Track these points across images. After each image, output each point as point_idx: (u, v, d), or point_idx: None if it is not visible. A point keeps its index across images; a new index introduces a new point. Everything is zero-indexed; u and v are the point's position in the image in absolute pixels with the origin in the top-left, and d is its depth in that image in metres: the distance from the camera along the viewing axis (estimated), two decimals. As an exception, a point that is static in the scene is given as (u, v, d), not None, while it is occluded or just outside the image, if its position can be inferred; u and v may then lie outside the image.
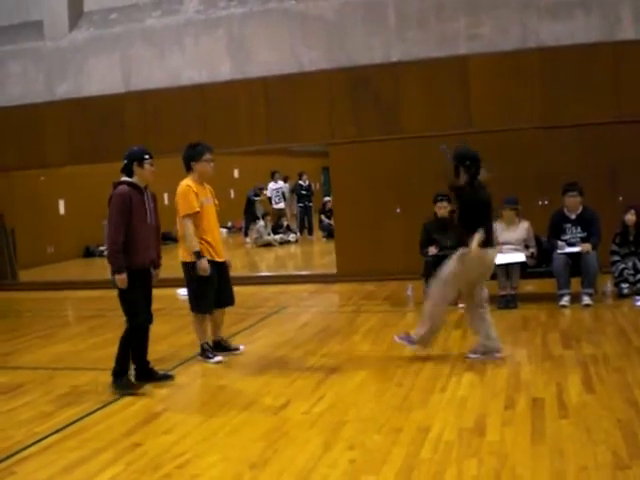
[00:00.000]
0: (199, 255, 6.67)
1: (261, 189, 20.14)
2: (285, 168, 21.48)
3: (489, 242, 6.31)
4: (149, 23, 12.43)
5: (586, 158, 10.34)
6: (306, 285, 11.60)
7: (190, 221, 6.71)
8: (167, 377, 6.41)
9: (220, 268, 6.98)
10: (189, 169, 6.91)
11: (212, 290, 6.90)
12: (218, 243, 6.99)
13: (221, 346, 7.26)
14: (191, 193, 6.73)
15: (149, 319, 6.24)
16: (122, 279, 5.94)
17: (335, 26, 11.39)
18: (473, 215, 6.28)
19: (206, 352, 7.01)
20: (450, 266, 6.42)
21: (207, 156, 6.89)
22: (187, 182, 6.83)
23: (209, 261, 6.77)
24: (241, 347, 7.38)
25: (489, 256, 6.39)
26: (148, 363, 6.37)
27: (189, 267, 6.79)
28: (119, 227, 5.94)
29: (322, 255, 16.08)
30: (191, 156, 6.88)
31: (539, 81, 10.57)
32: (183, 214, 6.74)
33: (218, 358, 6.96)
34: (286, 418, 5.19)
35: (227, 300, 7.15)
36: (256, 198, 19.70)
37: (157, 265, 6.35)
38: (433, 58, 10.95)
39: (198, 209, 6.74)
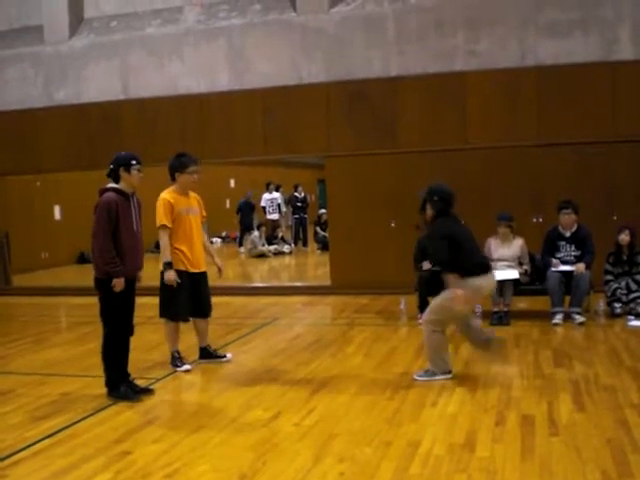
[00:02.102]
0: (168, 266, 6.78)
1: (248, 194, 20.22)
2: (281, 179, 21.55)
3: (476, 270, 6.13)
4: (149, 31, 12.48)
5: (582, 177, 10.40)
6: (299, 297, 11.60)
7: (164, 232, 6.83)
8: (146, 391, 6.27)
9: (196, 279, 7.05)
10: (173, 179, 7.02)
11: (182, 299, 6.95)
12: (196, 254, 7.04)
13: (208, 353, 7.34)
14: (166, 206, 6.85)
15: (129, 331, 6.19)
16: (121, 282, 5.90)
17: (335, 39, 11.45)
18: (439, 249, 6.17)
19: (175, 360, 7.09)
20: (443, 298, 6.25)
21: (191, 168, 6.98)
22: (165, 195, 6.95)
23: (182, 271, 6.87)
24: (228, 355, 7.44)
25: (483, 284, 6.19)
26: (128, 375, 6.25)
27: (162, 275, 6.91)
28: (107, 234, 5.86)
29: (316, 267, 16.10)
30: (175, 167, 6.98)
31: (536, 99, 10.63)
32: (158, 225, 6.87)
33: (186, 367, 7.04)
34: (276, 430, 5.18)
35: (202, 311, 7.21)
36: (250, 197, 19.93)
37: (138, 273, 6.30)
38: (431, 73, 11.02)
39: (169, 224, 6.82)
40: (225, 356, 7.41)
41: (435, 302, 6.38)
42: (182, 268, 6.90)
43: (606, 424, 4.97)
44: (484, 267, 6.26)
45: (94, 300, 6.22)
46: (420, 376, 6.33)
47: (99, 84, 12.62)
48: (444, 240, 6.11)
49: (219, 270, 7.34)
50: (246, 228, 19.98)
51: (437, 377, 6.27)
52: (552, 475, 4.16)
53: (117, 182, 6.06)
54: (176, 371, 6.99)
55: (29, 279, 14.46)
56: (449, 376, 6.26)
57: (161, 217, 6.83)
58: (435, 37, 11.00)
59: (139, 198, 6.26)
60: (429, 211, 6.34)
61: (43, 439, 5.15)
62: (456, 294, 5.96)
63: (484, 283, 6.22)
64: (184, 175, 6.95)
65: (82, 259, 17.55)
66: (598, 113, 10.40)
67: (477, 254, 6.36)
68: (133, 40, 12.50)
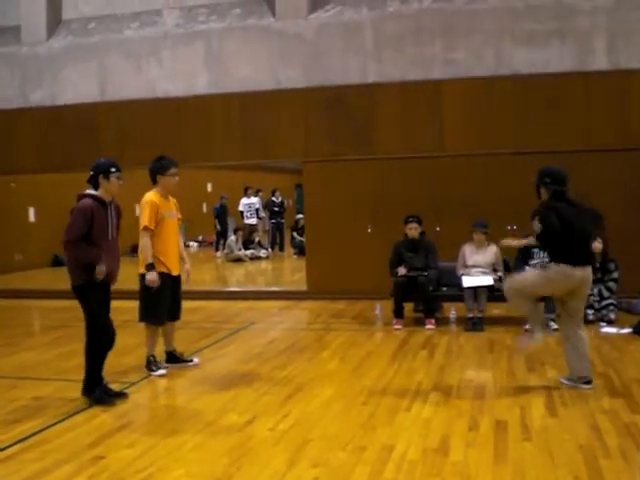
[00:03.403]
0: (150, 267, 6.76)
1: (223, 197, 20.18)
2: (259, 184, 21.51)
3: (575, 260, 5.98)
4: (127, 34, 12.43)
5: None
6: (276, 301, 11.60)
7: (148, 233, 6.82)
8: (120, 395, 6.23)
9: (175, 281, 7.07)
10: (154, 182, 7.02)
11: (164, 302, 6.96)
12: (174, 257, 7.07)
13: (174, 357, 7.33)
14: (152, 207, 6.85)
15: (111, 333, 6.12)
16: (102, 269, 5.84)
17: (313, 45, 11.48)
18: (547, 233, 6.02)
19: (150, 364, 7.06)
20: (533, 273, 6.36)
21: (172, 170, 7.01)
22: (151, 196, 6.94)
23: (164, 274, 6.87)
24: (195, 359, 7.42)
25: (574, 274, 5.98)
26: (102, 379, 6.19)
27: (143, 278, 6.87)
28: (79, 236, 5.81)
29: (293, 272, 16.10)
30: (156, 169, 7.00)
31: (512, 107, 10.73)
32: (142, 226, 6.84)
33: (162, 371, 7.01)
34: (251, 434, 5.18)
35: (174, 314, 7.22)
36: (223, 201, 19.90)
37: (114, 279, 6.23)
38: (408, 81, 11.08)
39: (152, 227, 6.82)
40: (192, 360, 7.39)
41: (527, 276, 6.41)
42: (164, 270, 6.91)
43: (578, 429, 5.03)
44: (583, 259, 6.06)
45: (68, 303, 6.19)
46: (566, 380, 6.20)
47: (76, 86, 12.53)
48: (550, 213, 5.98)
49: (186, 276, 7.30)
50: (223, 232, 19.93)
51: (538, 333, 6.23)
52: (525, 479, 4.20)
53: (96, 189, 6.02)
54: (151, 375, 6.96)
55: (2, 281, 14.27)
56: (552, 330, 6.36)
57: (145, 219, 6.81)
58: (413, 45, 11.06)
59: (118, 205, 6.23)
60: (544, 195, 6.16)
61: (15, 444, 5.10)
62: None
63: (576, 273, 5.99)
64: (165, 177, 6.97)
65: (56, 262, 17.40)
66: (573, 122, 10.52)
67: (582, 245, 6.11)
68: (111, 42, 12.43)
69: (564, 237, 5.96)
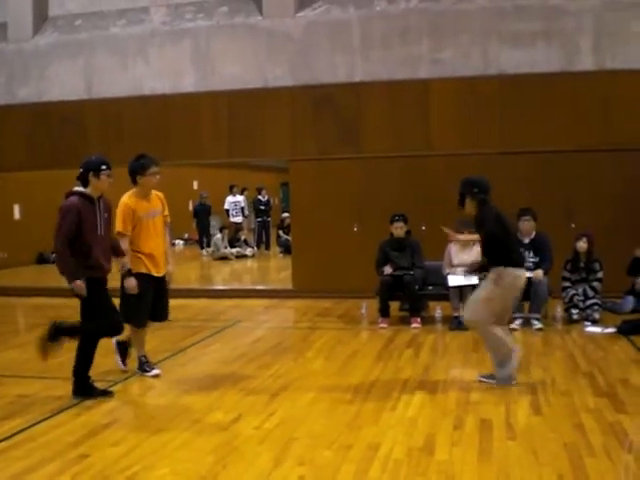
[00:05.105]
0: (128, 273, 6.62)
1: (202, 196, 20.12)
2: (245, 182, 21.50)
3: (517, 262, 6.29)
4: (114, 31, 12.38)
5: (542, 185, 10.55)
6: (261, 300, 11.59)
7: (123, 238, 6.66)
8: (106, 393, 6.22)
9: (157, 282, 6.90)
10: (134, 182, 6.82)
11: (144, 304, 6.78)
12: (158, 257, 6.88)
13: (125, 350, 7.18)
14: (126, 212, 6.67)
15: (116, 327, 6.15)
16: (80, 285, 5.85)
17: (300, 44, 11.48)
18: (498, 241, 6.18)
19: (143, 365, 6.95)
20: (485, 290, 6.25)
21: (152, 170, 6.78)
22: (126, 199, 6.75)
23: (145, 274, 6.72)
24: (156, 370, 7.13)
25: (522, 275, 6.29)
26: (88, 378, 6.18)
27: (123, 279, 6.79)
28: (66, 239, 5.80)
29: (278, 270, 16.09)
30: (136, 169, 6.77)
31: (498, 107, 10.77)
32: (116, 231, 6.68)
33: (155, 371, 6.92)
34: (237, 433, 5.18)
35: (160, 315, 7.06)
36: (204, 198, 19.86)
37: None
38: (395, 80, 11.10)
39: (126, 232, 6.66)
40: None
41: (474, 299, 6.34)
42: (145, 271, 6.74)
43: (563, 428, 5.06)
44: (522, 260, 6.39)
45: (53, 301, 6.19)
46: (486, 378, 6.28)
47: (62, 83, 12.47)
48: (498, 221, 6.22)
49: (169, 278, 7.09)
50: (203, 231, 19.90)
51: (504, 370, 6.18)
52: (509, 478, 4.22)
53: (85, 186, 6.00)
54: (144, 376, 6.88)
55: (-13, 279, 14.22)
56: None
57: (119, 224, 6.65)
58: (400, 44, 11.09)
59: (107, 200, 6.20)
60: (469, 204, 6.38)
61: (0, 441, 5.08)
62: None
63: (522, 275, 6.30)
64: (146, 177, 6.75)
65: (41, 259, 17.32)
66: (558, 122, 10.58)
67: (517, 246, 6.47)
68: (97, 40, 12.38)
69: (508, 241, 6.28)
